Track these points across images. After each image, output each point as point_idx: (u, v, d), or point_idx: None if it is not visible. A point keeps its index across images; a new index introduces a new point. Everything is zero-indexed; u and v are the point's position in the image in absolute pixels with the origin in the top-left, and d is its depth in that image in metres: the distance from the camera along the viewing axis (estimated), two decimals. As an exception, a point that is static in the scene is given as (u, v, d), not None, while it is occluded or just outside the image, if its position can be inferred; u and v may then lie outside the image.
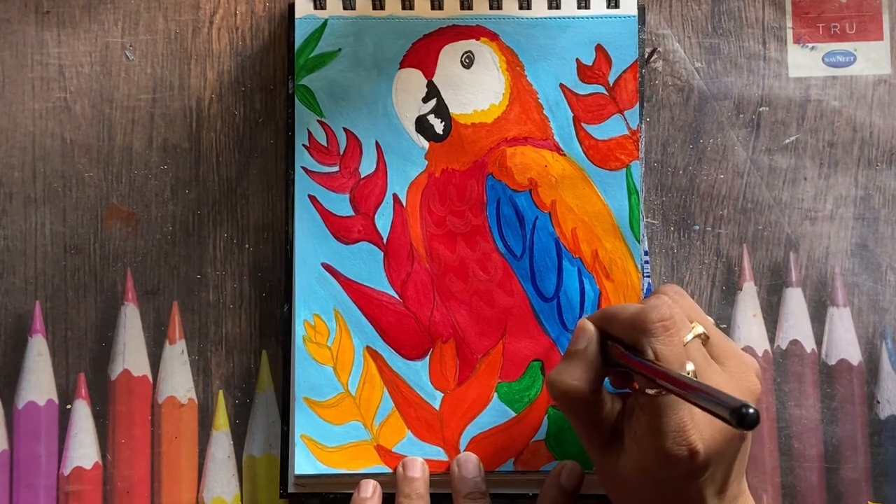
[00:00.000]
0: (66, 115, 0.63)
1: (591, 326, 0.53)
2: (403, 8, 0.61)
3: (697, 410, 0.49)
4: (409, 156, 0.61)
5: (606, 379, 0.55)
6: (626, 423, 0.52)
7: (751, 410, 0.42)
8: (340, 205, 0.60)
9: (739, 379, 0.52)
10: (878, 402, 0.62)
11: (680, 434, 0.48)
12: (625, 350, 0.51)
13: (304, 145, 0.61)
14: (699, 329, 0.52)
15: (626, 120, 0.61)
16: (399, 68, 0.61)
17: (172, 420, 0.62)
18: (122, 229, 0.63)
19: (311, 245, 0.60)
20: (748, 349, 0.62)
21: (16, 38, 0.63)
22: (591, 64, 0.61)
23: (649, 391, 0.49)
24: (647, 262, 0.61)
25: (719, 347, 0.53)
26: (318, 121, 0.61)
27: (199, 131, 0.63)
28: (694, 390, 0.45)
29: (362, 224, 0.60)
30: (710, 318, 0.56)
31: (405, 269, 0.60)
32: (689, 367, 0.50)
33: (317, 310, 0.60)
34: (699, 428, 0.49)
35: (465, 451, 0.59)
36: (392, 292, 0.60)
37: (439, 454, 0.59)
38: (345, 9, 0.61)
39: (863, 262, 0.63)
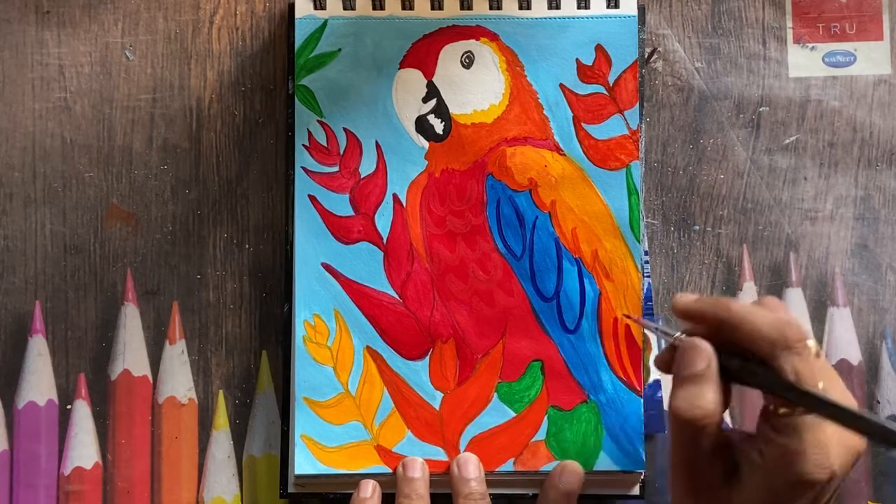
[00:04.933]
0: (66, 115, 0.63)
1: (707, 346, 0.49)
2: (403, 8, 0.61)
3: (830, 429, 0.46)
4: (409, 156, 0.61)
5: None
6: (748, 451, 0.48)
7: None
8: (340, 205, 0.60)
9: (842, 392, 0.49)
10: (878, 402, 0.62)
11: (821, 455, 0.46)
12: (746, 364, 0.48)
13: (304, 145, 0.61)
14: (814, 344, 0.48)
15: (625, 120, 0.61)
16: (399, 68, 0.61)
17: (172, 420, 0.62)
18: (122, 229, 0.63)
19: (311, 245, 0.60)
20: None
21: (16, 38, 0.63)
22: (591, 64, 0.61)
23: (784, 410, 0.47)
24: (647, 262, 0.61)
25: (822, 360, 0.49)
26: (318, 121, 0.61)
27: (199, 131, 0.63)
28: (857, 417, 0.44)
29: (362, 224, 0.60)
30: None
31: (405, 269, 0.60)
32: (821, 384, 0.47)
33: (317, 310, 0.60)
34: (835, 448, 0.47)
35: (465, 451, 0.59)
36: (392, 292, 0.60)
37: (439, 454, 0.59)
38: (345, 9, 0.61)
39: (863, 262, 0.63)
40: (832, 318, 0.63)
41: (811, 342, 0.47)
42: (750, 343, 0.48)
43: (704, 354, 0.49)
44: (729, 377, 0.49)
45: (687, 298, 0.51)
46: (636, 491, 0.60)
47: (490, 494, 0.58)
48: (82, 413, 0.62)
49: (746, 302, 0.50)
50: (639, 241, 0.60)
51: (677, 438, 0.49)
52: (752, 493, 0.47)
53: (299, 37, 0.61)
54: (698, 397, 0.48)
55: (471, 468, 0.58)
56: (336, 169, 0.61)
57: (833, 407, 0.45)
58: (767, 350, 0.47)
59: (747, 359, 0.48)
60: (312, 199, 0.60)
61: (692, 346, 0.49)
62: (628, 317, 0.59)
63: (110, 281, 0.62)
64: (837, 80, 0.64)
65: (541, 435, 0.59)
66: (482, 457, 0.59)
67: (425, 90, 0.61)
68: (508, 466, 0.59)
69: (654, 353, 0.60)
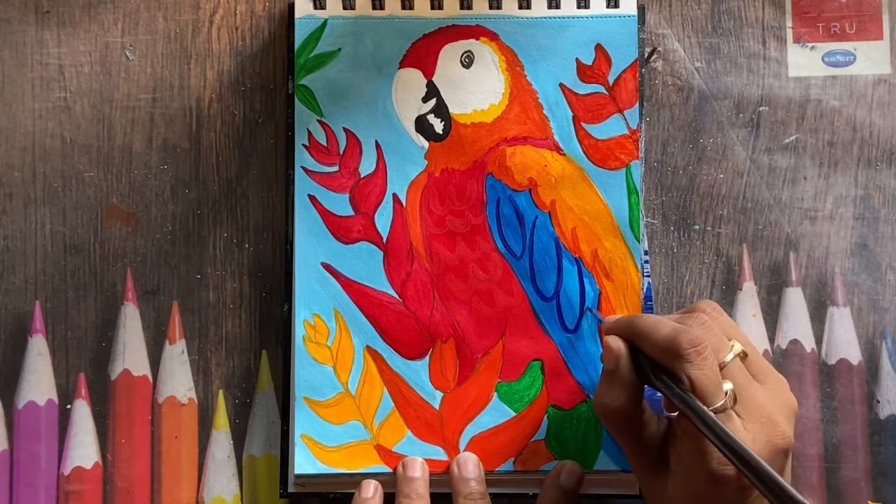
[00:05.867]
0: (66, 115, 0.63)
1: (618, 344, 0.52)
2: (403, 8, 0.61)
3: (739, 428, 0.49)
4: (408, 155, 0.61)
5: (660, 401, 0.56)
6: (671, 446, 0.51)
7: None
8: (340, 204, 0.60)
9: (779, 396, 0.52)
10: (878, 402, 0.62)
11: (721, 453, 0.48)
12: (655, 371, 0.51)
13: (303, 145, 0.61)
14: (738, 347, 0.51)
15: (625, 119, 0.61)
16: (399, 68, 0.61)
17: (172, 420, 0.62)
18: (122, 229, 0.63)
19: (311, 245, 0.60)
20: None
21: (16, 38, 0.63)
22: (590, 63, 0.61)
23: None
24: (646, 261, 0.61)
25: (757, 364, 0.52)
26: (317, 121, 0.61)
27: (199, 131, 0.63)
28: (733, 451, 0.46)
29: (362, 224, 0.60)
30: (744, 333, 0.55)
31: (405, 268, 0.60)
32: (727, 386, 0.50)
33: (317, 309, 0.60)
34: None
35: (464, 450, 0.59)
36: (392, 292, 0.60)
37: (439, 454, 0.59)
38: (345, 9, 0.61)
39: (863, 261, 0.63)
40: (832, 317, 0.63)
41: (698, 348, 0.49)
42: (655, 356, 0.51)
43: (613, 355, 0.52)
44: (646, 380, 0.52)
45: (609, 320, 0.55)
46: (636, 491, 0.60)
47: (490, 494, 0.58)
48: (82, 413, 0.62)
49: (653, 315, 0.53)
50: (638, 241, 0.60)
51: (607, 426, 0.54)
52: (679, 485, 0.50)
53: (299, 36, 0.61)
54: (606, 393, 0.52)
55: (471, 468, 0.58)
56: (336, 169, 0.61)
57: (703, 423, 0.47)
58: (665, 360, 0.50)
59: (658, 365, 0.51)
60: (312, 198, 0.60)
61: (606, 345, 0.53)
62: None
63: (110, 281, 0.62)
64: (837, 79, 0.64)
65: (541, 434, 0.59)
66: (482, 456, 0.59)
67: (425, 90, 0.61)
68: (508, 466, 0.59)
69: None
